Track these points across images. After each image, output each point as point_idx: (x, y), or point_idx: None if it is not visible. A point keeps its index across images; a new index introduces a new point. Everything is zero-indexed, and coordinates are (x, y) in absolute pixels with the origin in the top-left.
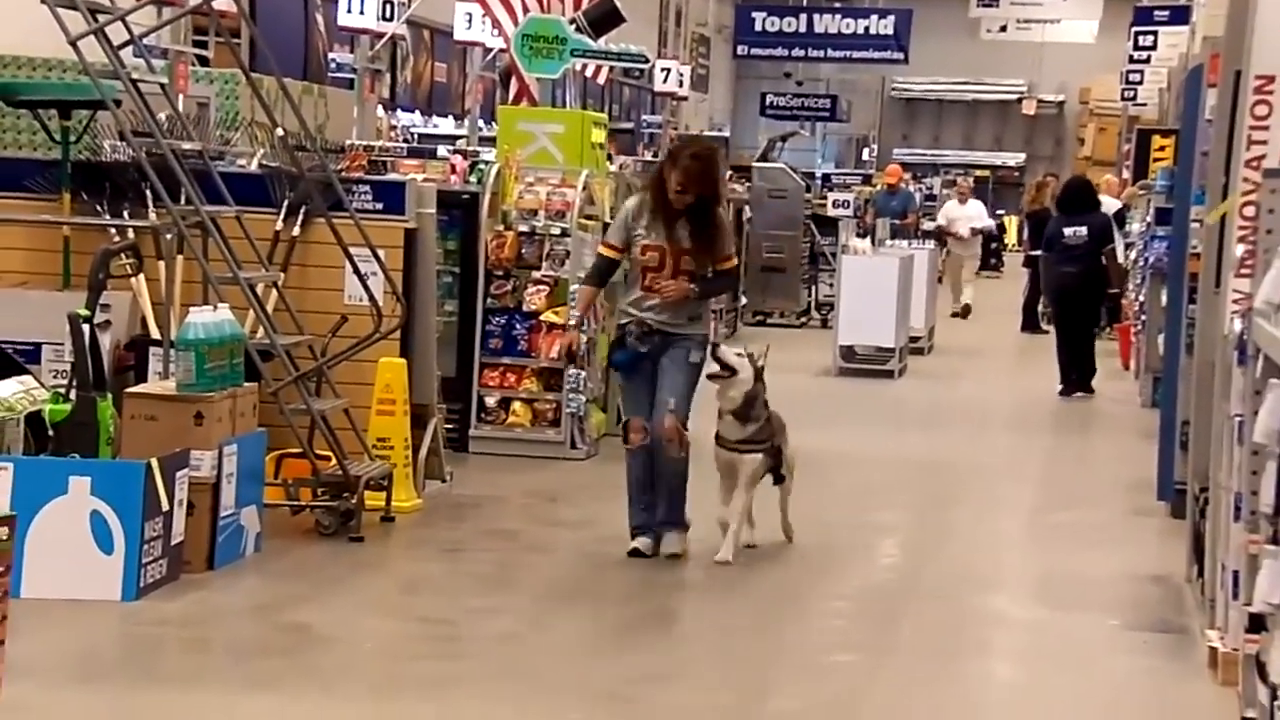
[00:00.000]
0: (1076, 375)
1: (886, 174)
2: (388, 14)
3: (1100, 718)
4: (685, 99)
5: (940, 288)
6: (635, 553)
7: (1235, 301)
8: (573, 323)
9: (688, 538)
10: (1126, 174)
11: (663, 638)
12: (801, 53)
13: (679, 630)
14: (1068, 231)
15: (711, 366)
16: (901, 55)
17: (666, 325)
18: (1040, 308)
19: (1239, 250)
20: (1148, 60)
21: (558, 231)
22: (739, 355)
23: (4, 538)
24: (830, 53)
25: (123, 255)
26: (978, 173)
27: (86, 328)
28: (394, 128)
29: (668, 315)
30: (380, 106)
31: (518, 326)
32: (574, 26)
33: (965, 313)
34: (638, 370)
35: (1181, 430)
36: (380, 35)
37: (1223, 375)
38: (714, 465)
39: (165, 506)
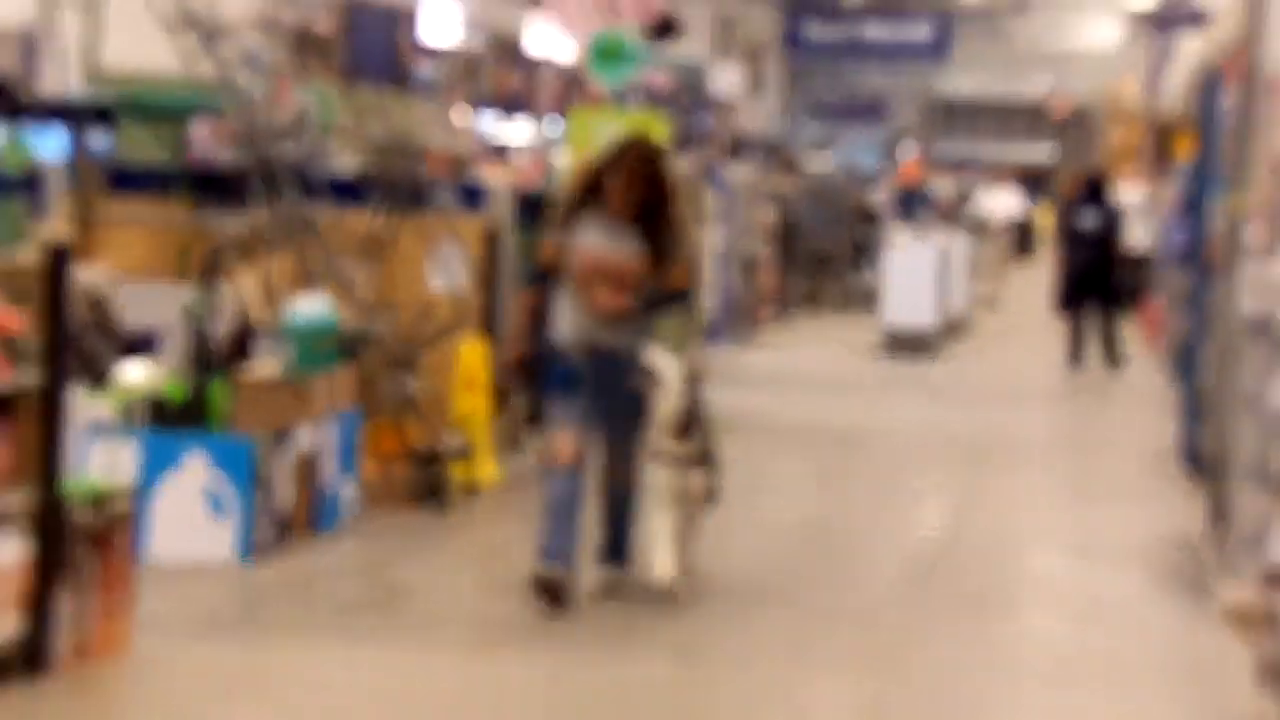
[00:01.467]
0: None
1: (901, 174)
2: (467, 34)
3: (1131, 661)
4: (737, 101)
5: (978, 274)
6: (543, 582)
7: (1253, 284)
8: (515, 333)
9: (628, 575)
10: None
11: (725, 601)
12: (847, 59)
13: (746, 589)
14: (1084, 219)
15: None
16: (939, 58)
17: (608, 343)
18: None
19: (1257, 236)
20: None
21: None
22: (666, 355)
23: (126, 510)
24: (875, 58)
25: (231, 252)
26: (1011, 168)
27: (200, 316)
28: (474, 131)
29: (609, 333)
30: (462, 112)
31: None
32: (639, 37)
33: (990, 304)
34: (575, 389)
35: (1196, 396)
36: (459, 51)
37: (1238, 350)
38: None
39: (272, 477)
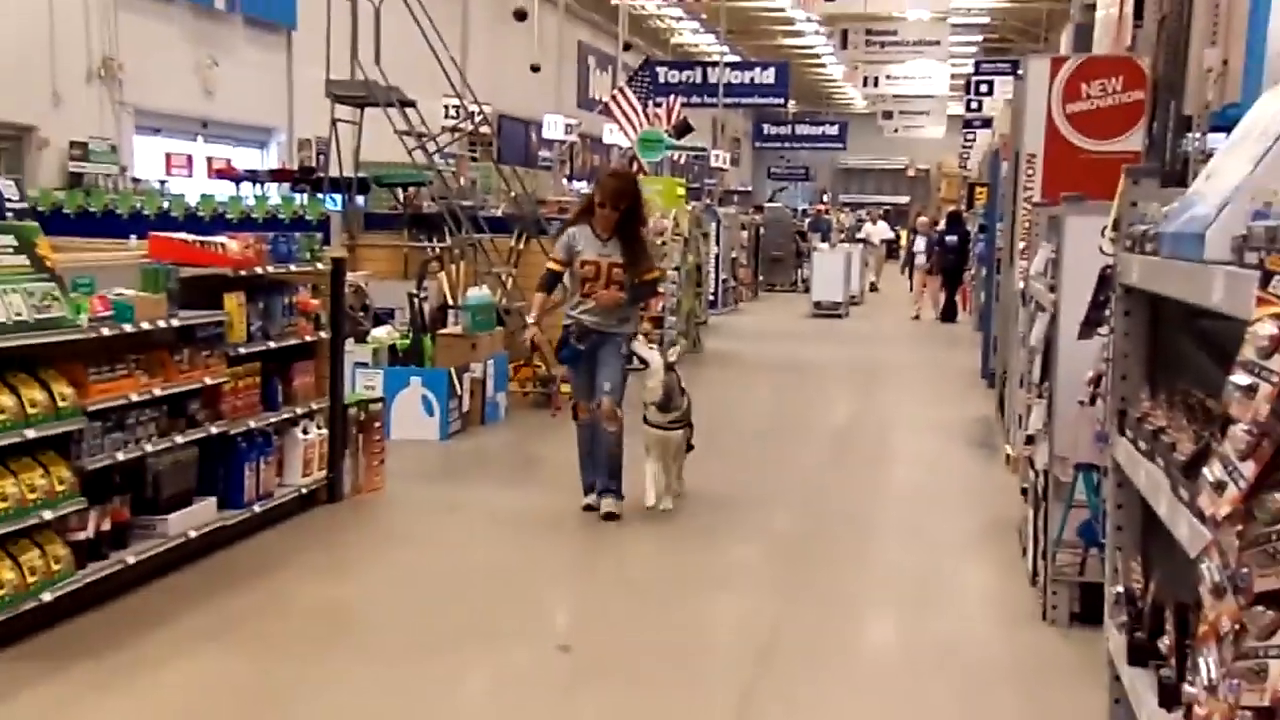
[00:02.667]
0: (949, 313)
1: (818, 211)
2: (568, 131)
3: (953, 489)
4: (726, 170)
5: (866, 270)
6: (588, 508)
7: (1019, 272)
8: (532, 320)
9: (622, 504)
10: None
11: (721, 452)
12: (789, 145)
13: (733, 448)
14: (949, 238)
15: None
16: (843, 145)
17: (601, 326)
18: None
19: (1021, 245)
20: (971, 145)
21: (660, 241)
22: (650, 348)
23: (378, 410)
24: (805, 145)
25: (433, 261)
26: (884, 207)
27: (416, 299)
28: (571, 190)
29: (601, 318)
30: (565, 179)
31: None
32: (668, 133)
33: (874, 288)
34: (580, 362)
35: (992, 340)
36: (565, 142)
37: (1013, 311)
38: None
39: (459, 392)
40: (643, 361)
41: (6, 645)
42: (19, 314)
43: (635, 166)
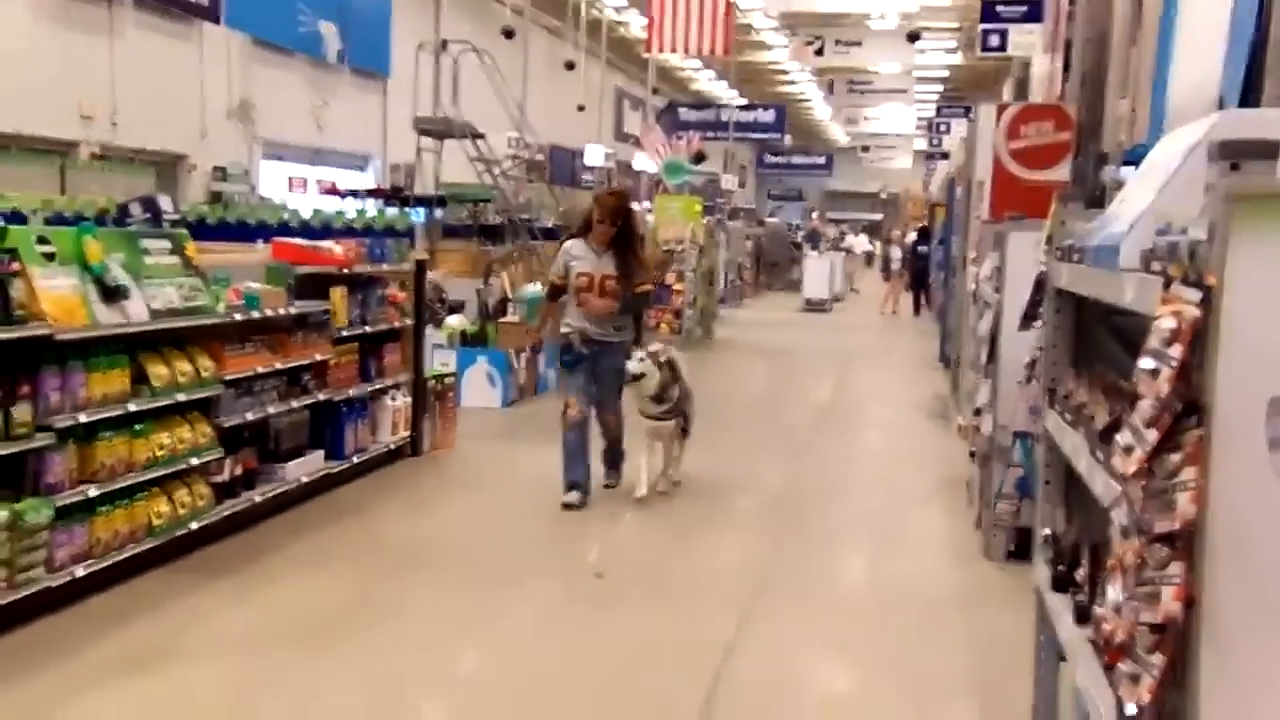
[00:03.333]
0: (916, 308)
1: (810, 225)
2: (605, 159)
3: (914, 451)
4: (734, 191)
5: (849, 274)
6: (568, 505)
7: (970, 276)
8: (536, 326)
9: (619, 480)
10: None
11: (722, 422)
12: (785, 171)
13: (733, 417)
14: (920, 248)
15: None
16: (829, 172)
17: (599, 334)
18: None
19: (971, 254)
20: (933, 174)
21: (680, 249)
22: (642, 360)
23: (451, 383)
24: (798, 172)
25: (496, 263)
26: (864, 223)
27: (482, 294)
28: None
29: (598, 326)
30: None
31: (663, 291)
32: (688, 161)
33: (854, 289)
34: (579, 366)
35: (946, 330)
36: (602, 168)
37: (965, 308)
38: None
39: (516, 368)
40: (637, 377)
41: (162, 563)
42: (172, 303)
43: (661, 187)
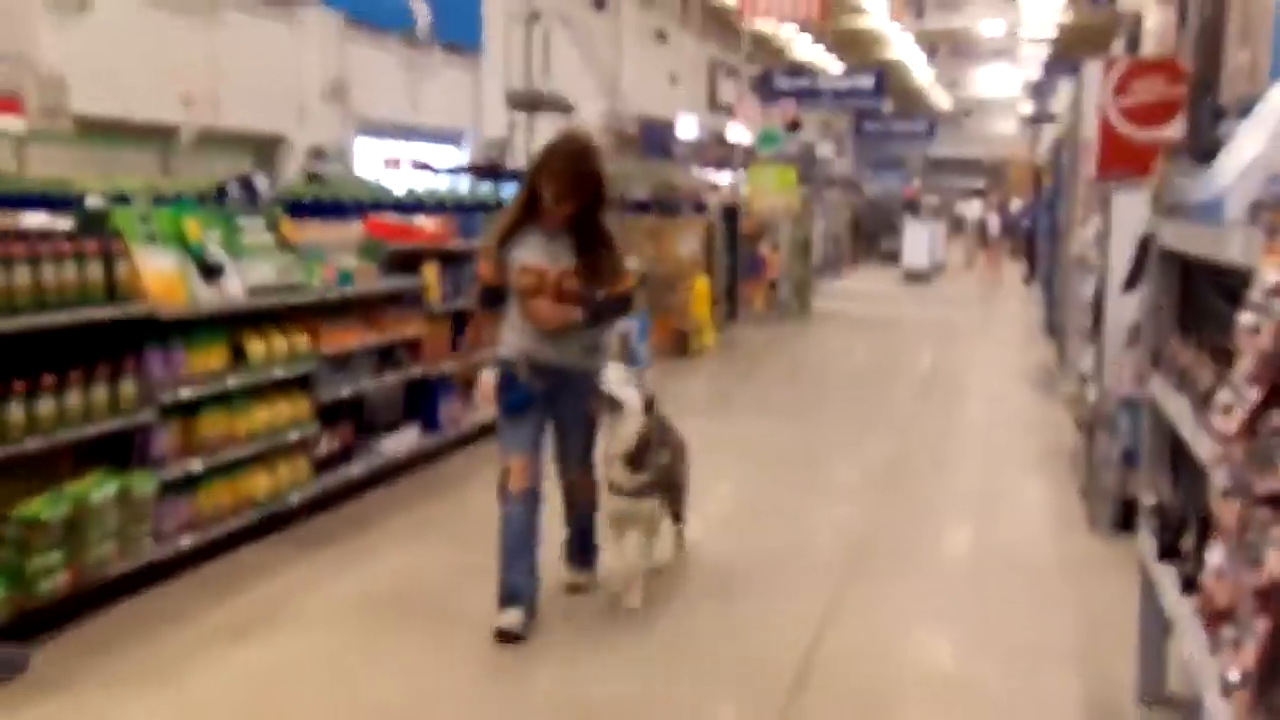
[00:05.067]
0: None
1: (909, 193)
2: (699, 129)
3: (1019, 421)
4: (831, 160)
5: (951, 243)
6: (505, 635)
7: (1076, 241)
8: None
9: (594, 576)
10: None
11: (825, 384)
12: (885, 139)
13: (836, 384)
14: (1024, 221)
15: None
16: (931, 138)
17: (559, 360)
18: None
19: (1079, 216)
20: (1040, 138)
21: (777, 221)
22: (626, 383)
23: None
24: (898, 139)
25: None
26: (969, 190)
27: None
28: (698, 176)
29: (556, 349)
30: (695, 168)
31: (756, 262)
32: (782, 130)
33: (969, 264)
34: (527, 410)
35: (1053, 297)
36: (695, 139)
37: (1073, 272)
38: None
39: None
40: (614, 405)
41: (264, 535)
42: (268, 280)
43: (752, 157)
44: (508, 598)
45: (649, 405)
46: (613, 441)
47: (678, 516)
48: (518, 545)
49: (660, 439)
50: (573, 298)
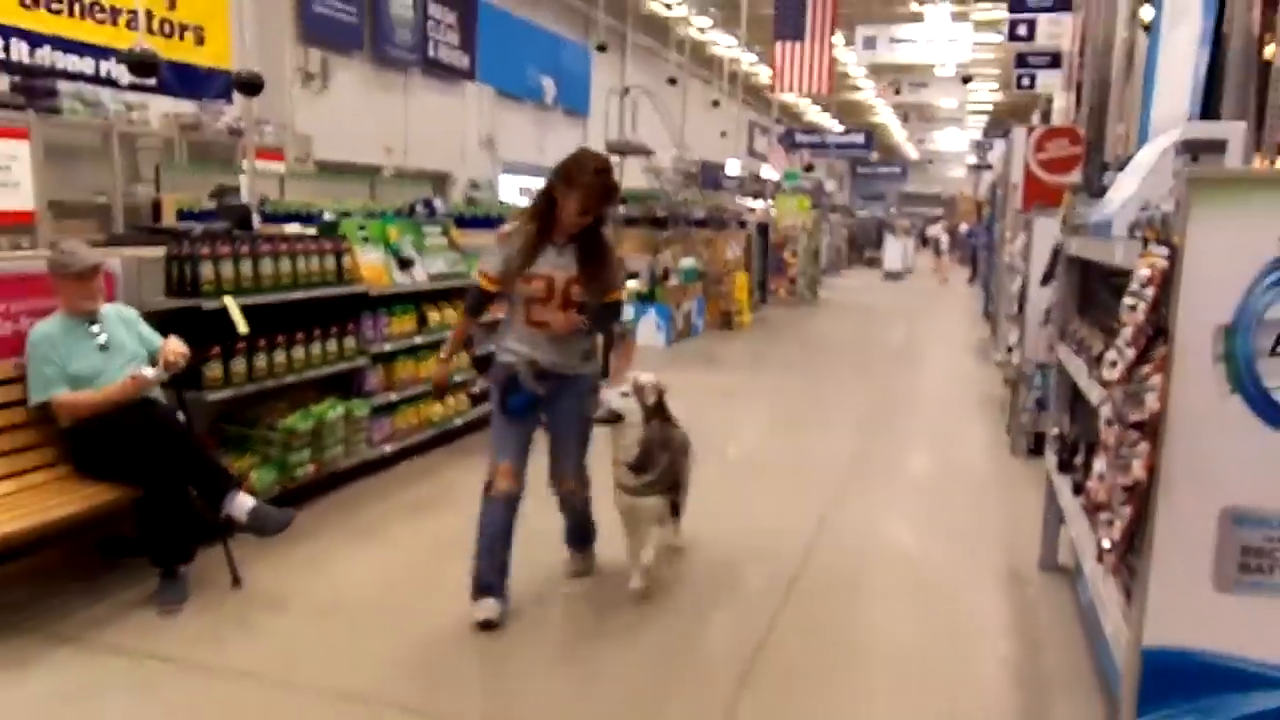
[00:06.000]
0: (973, 278)
1: (888, 218)
2: (741, 169)
3: (962, 377)
4: (834, 193)
5: (919, 254)
6: (485, 624)
7: (1007, 252)
8: (443, 356)
9: (591, 562)
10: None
11: (811, 352)
12: (872, 179)
13: (824, 352)
14: (973, 236)
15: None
16: (905, 179)
17: (560, 366)
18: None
19: (1008, 235)
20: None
21: (796, 235)
22: (624, 395)
23: (630, 327)
24: (881, 179)
25: (662, 243)
26: (932, 216)
27: (651, 266)
28: (740, 202)
29: (558, 354)
30: (738, 196)
31: (780, 264)
32: (801, 170)
33: (944, 280)
34: (526, 412)
35: (989, 292)
36: (740, 175)
37: (1005, 274)
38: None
39: (675, 318)
40: (615, 416)
41: (438, 446)
42: (442, 270)
43: (781, 188)
44: (482, 589)
45: (656, 406)
46: (619, 449)
47: (676, 510)
48: (492, 543)
49: (662, 442)
50: (576, 305)
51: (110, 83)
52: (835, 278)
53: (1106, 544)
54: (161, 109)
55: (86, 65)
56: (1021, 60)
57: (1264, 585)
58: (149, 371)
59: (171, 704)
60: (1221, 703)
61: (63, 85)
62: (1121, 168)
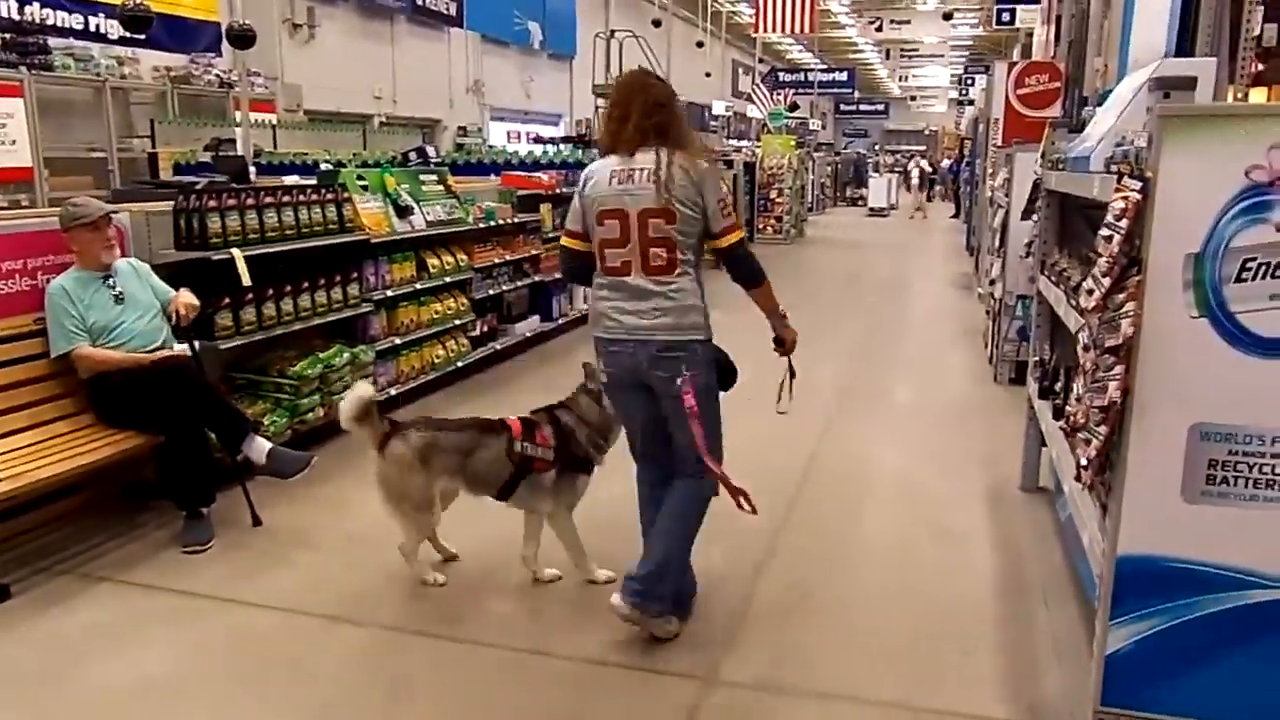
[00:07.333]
0: (957, 213)
1: (873, 155)
2: (725, 110)
3: (947, 310)
4: (818, 131)
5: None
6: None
7: (988, 186)
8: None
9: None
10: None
11: (808, 283)
12: (855, 116)
13: (818, 282)
14: (962, 169)
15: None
16: (887, 116)
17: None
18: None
19: (990, 170)
20: (962, 115)
21: (782, 174)
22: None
23: None
24: (864, 116)
25: None
26: (918, 152)
27: None
28: (727, 144)
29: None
30: (724, 138)
31: (767, 202)
32: (785, 109)
33: (919, 208)
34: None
35: (971, 227)
36: (725, 115)
37: (986, 210)
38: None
39: None
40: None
41: (441, 388)
42: (440, 216)
43: (766, 128)
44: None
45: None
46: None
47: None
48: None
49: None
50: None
51: (100, 37)
52: (820, 215)
53: (1084, 461)
54: (150, 63)
55: (75, 21)
56: None
57: (1228, 495)
58: (177, 347)
59: (211, 633)
60: (1189, 604)
61: (52, 41)
62: (1100, 102)
